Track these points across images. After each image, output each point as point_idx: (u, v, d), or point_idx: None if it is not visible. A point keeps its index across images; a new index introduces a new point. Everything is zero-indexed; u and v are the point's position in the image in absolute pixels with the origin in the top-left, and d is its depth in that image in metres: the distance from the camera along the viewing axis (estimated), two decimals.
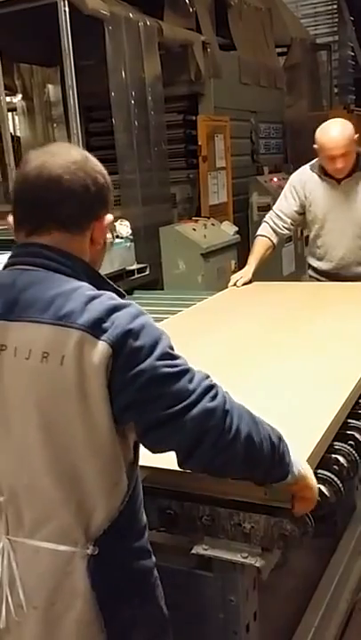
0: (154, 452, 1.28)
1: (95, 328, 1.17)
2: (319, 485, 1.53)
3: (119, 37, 5.08)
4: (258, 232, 3.65)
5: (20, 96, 7.13)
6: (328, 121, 3.35)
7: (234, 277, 3.53)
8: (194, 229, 5.38)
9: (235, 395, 1.30)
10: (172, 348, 1.23)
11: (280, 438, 1.34)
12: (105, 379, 1.17)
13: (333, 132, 3.26)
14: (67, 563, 1.24)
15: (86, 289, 1.23)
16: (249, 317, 2.86)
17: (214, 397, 1.22)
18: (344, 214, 3.41)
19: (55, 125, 7.21)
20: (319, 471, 1.58)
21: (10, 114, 6.38)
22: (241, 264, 5.65)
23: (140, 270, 3.81)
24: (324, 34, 10.13)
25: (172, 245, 5.28)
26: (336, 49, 9.89)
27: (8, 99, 5.86)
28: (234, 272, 5.42)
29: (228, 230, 5.71)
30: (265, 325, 2.71)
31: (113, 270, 3.56)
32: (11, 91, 6.59)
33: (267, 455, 1.30)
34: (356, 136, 3.30)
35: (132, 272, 3.75)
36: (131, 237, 3.70)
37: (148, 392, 1.18)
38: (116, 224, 3.69)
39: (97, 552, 1.24)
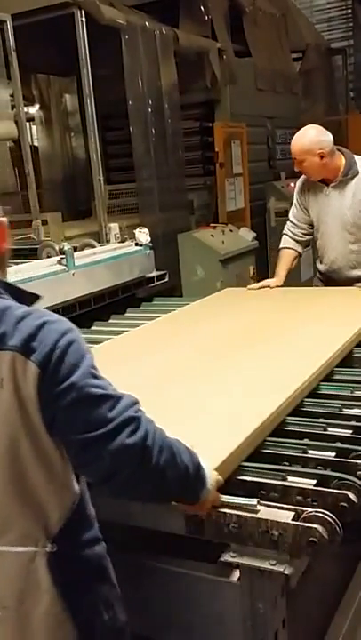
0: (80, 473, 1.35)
1: (25, 348, 1.21)
2: (346, 492, 1.53)
3: (136, 46, 5.12)
4: (281, 245, 3.73)
5: (37, 106, 7.19)
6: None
7: (265, 282, 3.63)
8: (212, 236, 5.39)
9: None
10: (94, 368, 1.27)
11: (198, 467, 1.40)
12: (36, 395, 1.22)
13: (294, 138, 3.43)
14: (30, 562, 1.30)
15: (15, 308, 1.27)
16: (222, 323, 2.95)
17: (134, 431, 1.25)
18: (333, 218, 3.48)
19: (72, 135, 7.26)
20: (348, 477, 1.57)
21: (27, 124, 6.43)
22: (259, 270, 5.66)
23: (159, 277, 3.81)
24: (339, 38, 10.11)
25: (191, 252, 5.30)
26: (351, 53, 9.86)
27: (25, 109, 5.91)
28: (252, 278, 5.45)
29: (246, 236, 5.72)
30: (239, 329, 2.80)
31: (133, 278, 3.57)
32: (28, 101, 6.65)
33: (180, 486, 1.37)
34: (324, 149, 3.32)
35: (151, 279, 3.76)
36: (150, 245, 3.70)
37: (70, 411, 1.23)
38: (135, 232, 3.70)
39: (56, 549, 1.30)
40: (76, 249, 3.34)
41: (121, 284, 3.48)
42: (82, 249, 3.57)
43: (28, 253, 3.59)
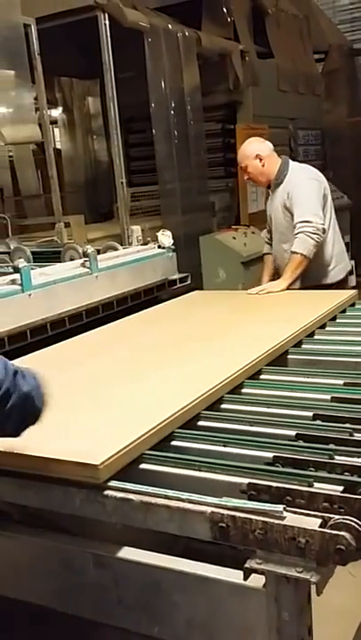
0: None
1: None
2: None
3: (158, 49, 5.13)
4: (263, 251, 4.09)
5: (60, 109, 7.23)
6: None
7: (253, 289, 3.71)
8: (234, 238, 5.37)
9: None
10: None
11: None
12: None
13: (239, 150, 3.88)
14: None
15: None
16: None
17: None
18: (273, 220, 3.81)
19: (95, 137, 7.29)
20: None
21: (50, 126, 6.47)
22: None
23: (181, 280, 3.81)
24: None
25: (213, 254, 5.29)
26: None
27: (48, 111, 5.95)
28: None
29: None
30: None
31: (156, 280, 3.56)
32: (51, 104, 6.69)
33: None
34: (261, 152, 3.68)
35: (173, 282, 3.75)
36: (173, 247, 3.70)
37: None
38: (158, 234, 3.70)
39: None
40: (98, 252, 3.34)
41: (144, 287, 3.48)
42: (105, 251, 3.57)
43: (52, 256, 3.61)
